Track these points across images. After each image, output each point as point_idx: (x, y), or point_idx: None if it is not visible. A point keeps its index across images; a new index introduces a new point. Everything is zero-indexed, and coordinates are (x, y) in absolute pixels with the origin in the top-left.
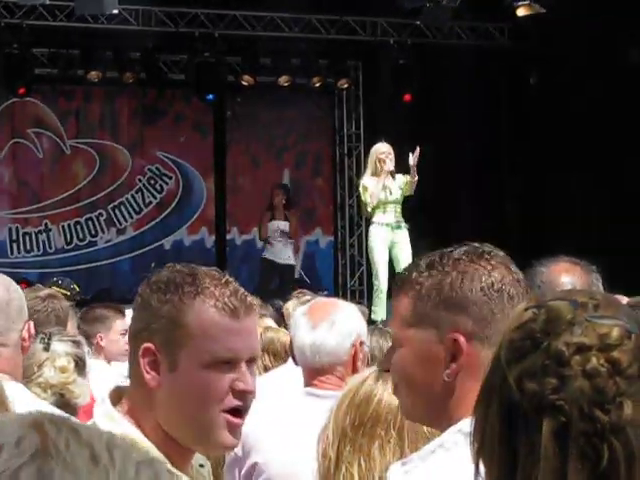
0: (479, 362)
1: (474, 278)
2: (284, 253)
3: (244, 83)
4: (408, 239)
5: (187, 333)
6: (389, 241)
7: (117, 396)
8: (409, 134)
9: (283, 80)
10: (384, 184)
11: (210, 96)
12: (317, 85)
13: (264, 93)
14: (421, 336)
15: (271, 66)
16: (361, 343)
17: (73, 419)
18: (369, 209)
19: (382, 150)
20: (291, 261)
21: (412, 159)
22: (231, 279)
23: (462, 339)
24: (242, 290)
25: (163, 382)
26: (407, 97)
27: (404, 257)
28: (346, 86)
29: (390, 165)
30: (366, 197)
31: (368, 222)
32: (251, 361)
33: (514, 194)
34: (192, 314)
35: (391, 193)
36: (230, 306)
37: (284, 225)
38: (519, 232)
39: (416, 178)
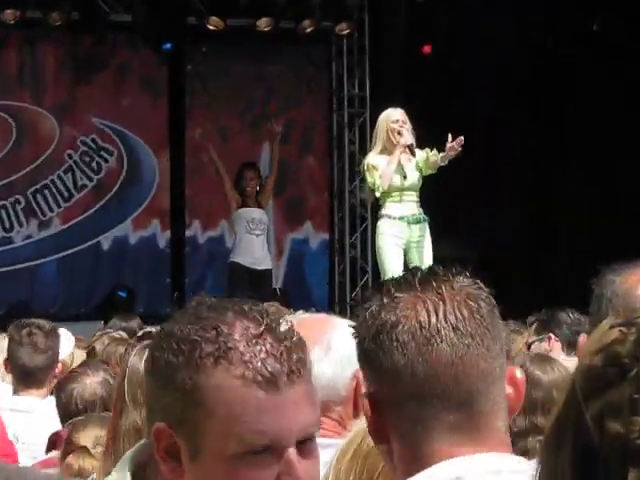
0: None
1: (374, 321)
2: (260, 254)
3: (211, 27)
4: (429, 237)
5: (207, 413)
6: (405, 240)
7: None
8: (429, 97)
9: (263, 24)
10: (400, 164)
11: (166, 45)
12: (308, 31)
13: (237, 41)
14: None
15: (247, 4)
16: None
17: None
18: (378, 194)
19: (395, 117)
20: (267, 264)
21: (452, 144)
22: (277, 324)
23: (367, 404)
24: (288, 342)
25: (185, 473)
26: (426, 48)
27: (425, 262)
28: (347, 32)
29: (408, 137)
30: (375, 179)
31: (376, 214)
32: (305, 442)
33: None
34: (212, 387)
35: (407, 177)
36: (265, 374)
37: (260, 214)
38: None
39: (446, 162)
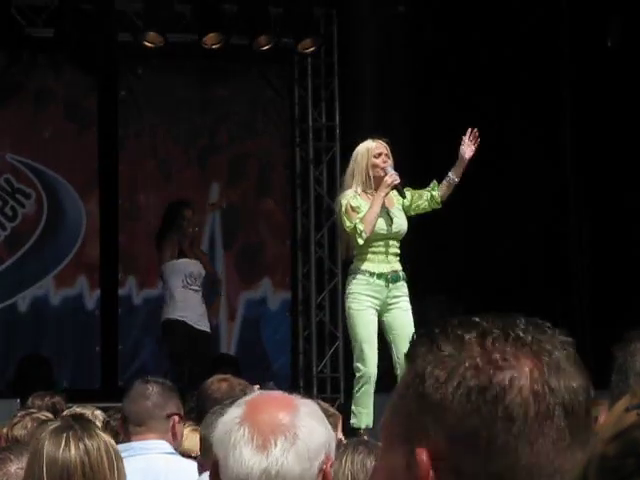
0: None
1: (465, 374)
2: (200, 311)
3: (148, 44)
4: (408, 299)
5: None
6: (381, 302)
7: None
8: (416, 130)
9: (210, 40)
10: (384, 206)
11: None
12: (265, 48)
13: (180, 61)
14: (392, 454)
15: (191, 17)
16: (331, 464)
17: None
18: (361, 241)
19: (377, 151)
20: (206, 326)
21: (467, 144)
22: None
23: (425, 459)
24: None
25: None
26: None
27: (404, 327)
28: (311, 49)
29: (395, 175)
30: (355, 224)
31: (346, 269)
32: None
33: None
34: None
35: (393, 223)
36: None
37: (198, 267)
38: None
39: (452, 187)
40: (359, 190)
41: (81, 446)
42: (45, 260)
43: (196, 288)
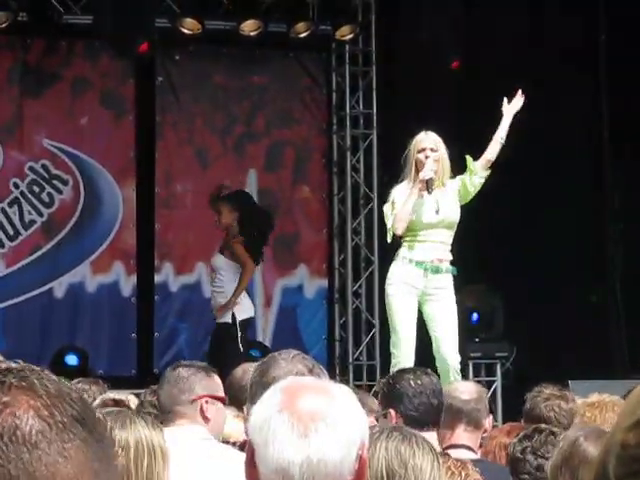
0: None
1: None
2: (213, 305)
3: (185, 31)
4: (452, 291)
5: None
6: (419, 291)
7: None
8: (457, 118)
9: (248, 27)
10: (421, 196)
11: (136, 47)
12: (302, 35)
13: (217, 47)
14: None
15: (229, 3)
16: (367, 450)
17: None
18: (389, 239)
19: (421, 146)
20: (226, 317)
21: (510, 103)
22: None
23: None
24: None
25: None
26: (454, 62)
27: (442, 320)
28: (350, 37)
29: (428, 171)
30: (389, 219)
31: (385, 256)
32: None
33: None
34: None
35: (439, 211)
36: None
37: (214, 260)
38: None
39: (499, 145)
40: (410, 183)
41: None
42: (81, 246)
43: (211, 282)
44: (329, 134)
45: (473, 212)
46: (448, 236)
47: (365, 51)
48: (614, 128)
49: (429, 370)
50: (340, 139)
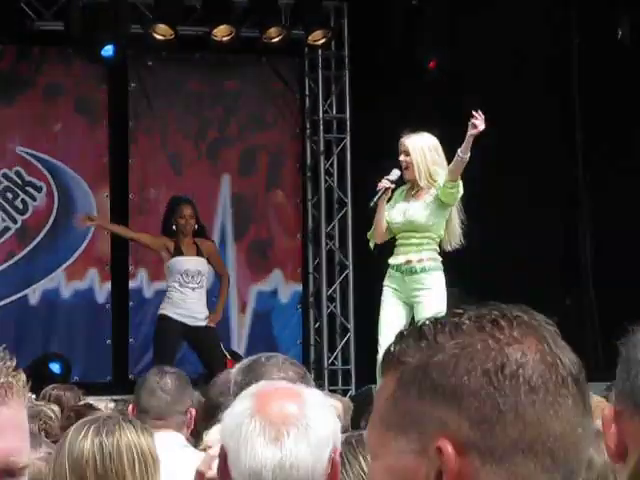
0: None
1: (475, 356)
2: (196, 309)
3: (158, 37)
4: (437, 289)
5: None
6: (404, 295)
7: None
8: (432, 121)
9: (221, 32)
10: (406, 198)
11: (107, 51)
12: (275, 40)
13: (190, 53)
14: (399, 444)
15: (201, 9)
16: (340, 454)
17: None
18: (371, 245)
19: (400, 147)
20: (201, 321)
21: (473, 124)
22: None
23: (449, 449)
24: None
25: None
26: (431, 63)
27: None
28: (322, 42)
29: (393, 174)
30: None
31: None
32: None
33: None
34: None
35: (406, 215)
36: None
37: (196, 264)
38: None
39: (465, 157)
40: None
41: (96, 441)
42: (56, 253)
43: (193, 286)
44: (302, 139)
45: None
46: (421, 237)
47: (338, 55)
48: (587, 131)
49: None
50: (313, 144)
